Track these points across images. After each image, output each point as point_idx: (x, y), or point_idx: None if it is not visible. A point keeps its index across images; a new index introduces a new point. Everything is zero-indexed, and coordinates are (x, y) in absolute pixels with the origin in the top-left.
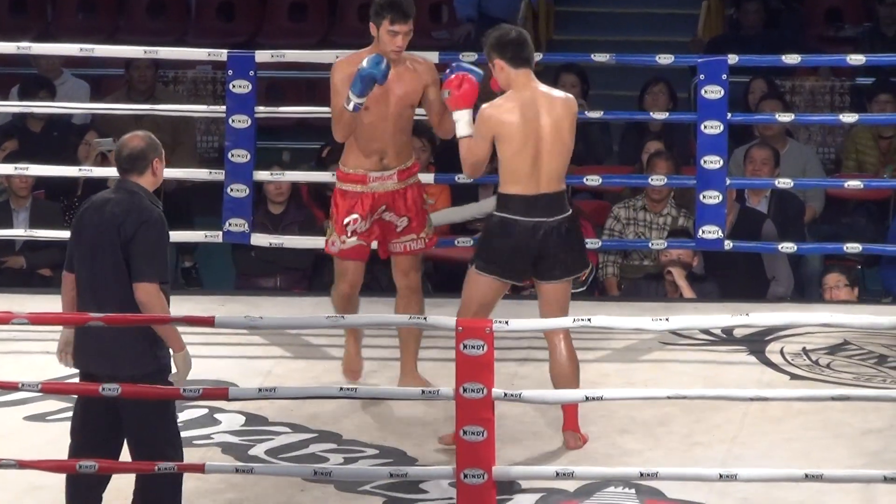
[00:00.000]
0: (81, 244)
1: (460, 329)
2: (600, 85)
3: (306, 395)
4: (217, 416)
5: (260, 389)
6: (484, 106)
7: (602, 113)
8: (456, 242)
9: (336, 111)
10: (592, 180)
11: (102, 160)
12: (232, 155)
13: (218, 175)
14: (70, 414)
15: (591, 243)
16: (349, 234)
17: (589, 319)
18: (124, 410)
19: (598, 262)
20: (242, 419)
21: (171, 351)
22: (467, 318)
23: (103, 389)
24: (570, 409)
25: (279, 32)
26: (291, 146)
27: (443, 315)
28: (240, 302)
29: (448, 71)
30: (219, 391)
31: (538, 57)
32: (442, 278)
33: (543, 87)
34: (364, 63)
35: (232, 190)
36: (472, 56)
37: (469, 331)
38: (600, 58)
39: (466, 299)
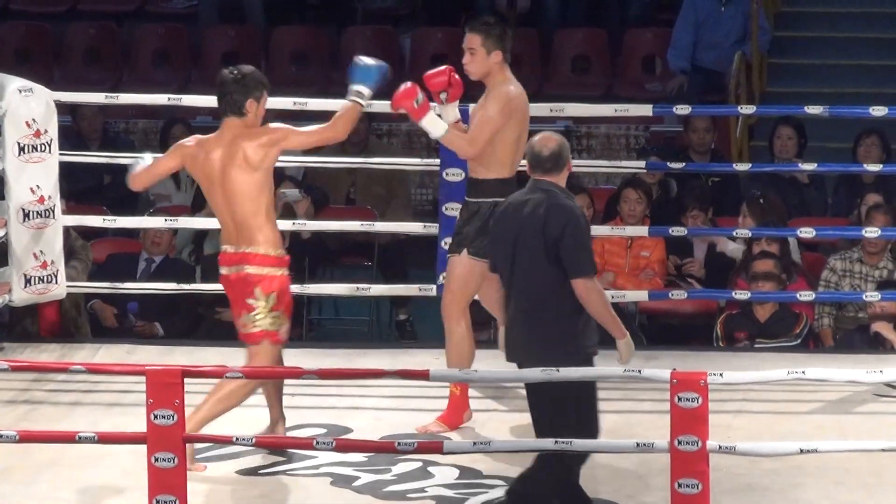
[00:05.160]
0: (500, 244)
1: (675, 382)
2: (814, 137)
3: (520, 448)
4: (431, 469)
5: (475, 443)
6: (511, 87)
7: (816, 165)
8: (670, 295)
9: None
10: (806, 233)
11: (285, 211)
12: (446, 208)
13: (432, 228)
14: (281, 468)
15: (806, 295)
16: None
17: (803, 372)
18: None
19: (814, 313)
20: (457, 472)
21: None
22: (681, 372)
23: (316, 444)
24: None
25: None
26: None
27: (656, 367)
28: None
29: (357, 67)
30: (434, 445)
31: (752, 109)
32: (654, 331)
33: None
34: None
35: (446, 243)
36: (687, 109)
37: (684, 384)
38: (814, 110)
39: (455, 284)
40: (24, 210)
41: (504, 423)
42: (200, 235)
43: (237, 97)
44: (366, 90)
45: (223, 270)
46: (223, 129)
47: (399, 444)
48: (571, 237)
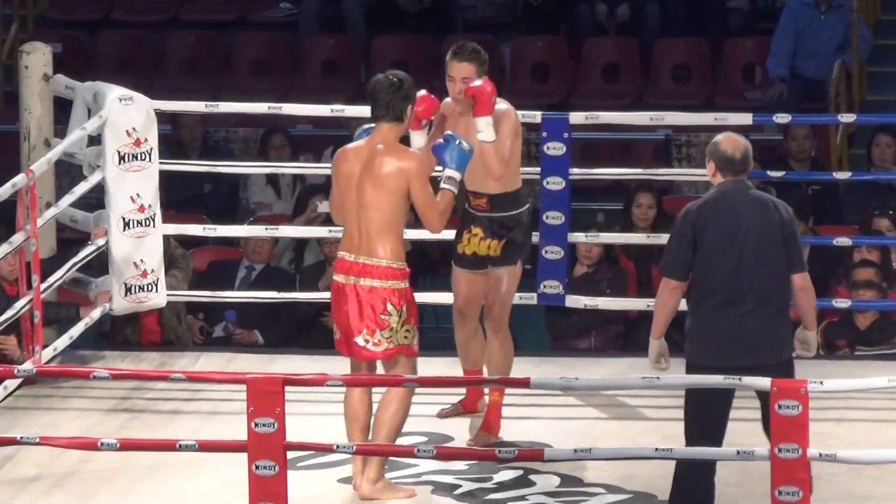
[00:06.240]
0: (714, 246)
1: (775, 390)
2: None
3: (622, 456)
4: (532, 477)
5: (575, 450)
6: (510, 107)
7: None
8: None
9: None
10: None
11: (323, 222)
12: (546, 217)
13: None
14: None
15: None
16: None
17: None
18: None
19: None
20: (557, 480)
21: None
22: (782, 380)
23: (417, 451)
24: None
25: (593, 93)
26: (606, 207)
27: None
28: (554, 363)
29: (453, 148)
30: (534, 452)
31: (852, 118)
32: None
33: None
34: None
35: (547, 252)
36: (787, 118)
37: (784, 391)
38: None
39: (508, 295)
40: (124, 219)
41: (605, 431)
42: (301, 244)
43: (399, 104)
44: (459, 175)
45: (337, 277)
46: (375, 134)
47: (500, 451)
48: (797, 233)
